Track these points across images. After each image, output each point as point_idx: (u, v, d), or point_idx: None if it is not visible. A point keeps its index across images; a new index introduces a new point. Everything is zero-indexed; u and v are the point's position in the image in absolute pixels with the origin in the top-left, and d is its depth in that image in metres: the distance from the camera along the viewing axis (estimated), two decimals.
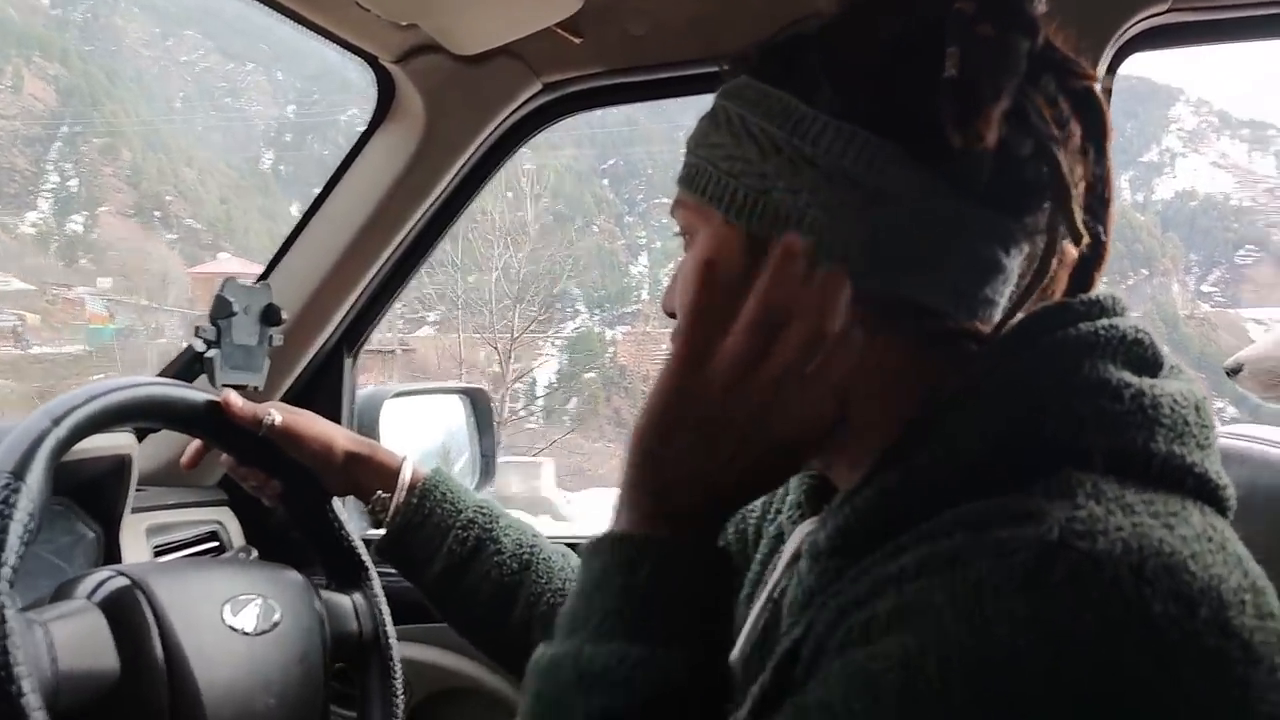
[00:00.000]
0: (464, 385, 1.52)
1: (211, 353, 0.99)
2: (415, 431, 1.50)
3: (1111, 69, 1.01)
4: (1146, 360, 0.52)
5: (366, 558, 0.94)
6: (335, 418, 1.26)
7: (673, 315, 0.64)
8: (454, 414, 1.51)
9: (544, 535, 0.94)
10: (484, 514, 0.90)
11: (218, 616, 0.78)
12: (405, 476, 0.90)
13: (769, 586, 0.63)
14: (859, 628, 0.45)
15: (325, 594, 0.91)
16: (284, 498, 0.94)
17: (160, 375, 1.07)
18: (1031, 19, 0.53)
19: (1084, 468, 0.46)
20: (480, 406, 1.50)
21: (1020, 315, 0.55)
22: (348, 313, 1.19)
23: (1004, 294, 0.55)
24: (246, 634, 0.79)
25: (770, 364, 0.53)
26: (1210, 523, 0.46)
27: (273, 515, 1.14)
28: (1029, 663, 0.39)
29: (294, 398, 1.22)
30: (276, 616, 0.83)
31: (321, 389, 1.24)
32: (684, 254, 0.63)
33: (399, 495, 0.89)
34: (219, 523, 1.16)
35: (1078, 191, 0.54)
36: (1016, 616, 0.40)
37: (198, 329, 0.99)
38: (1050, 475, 0.46)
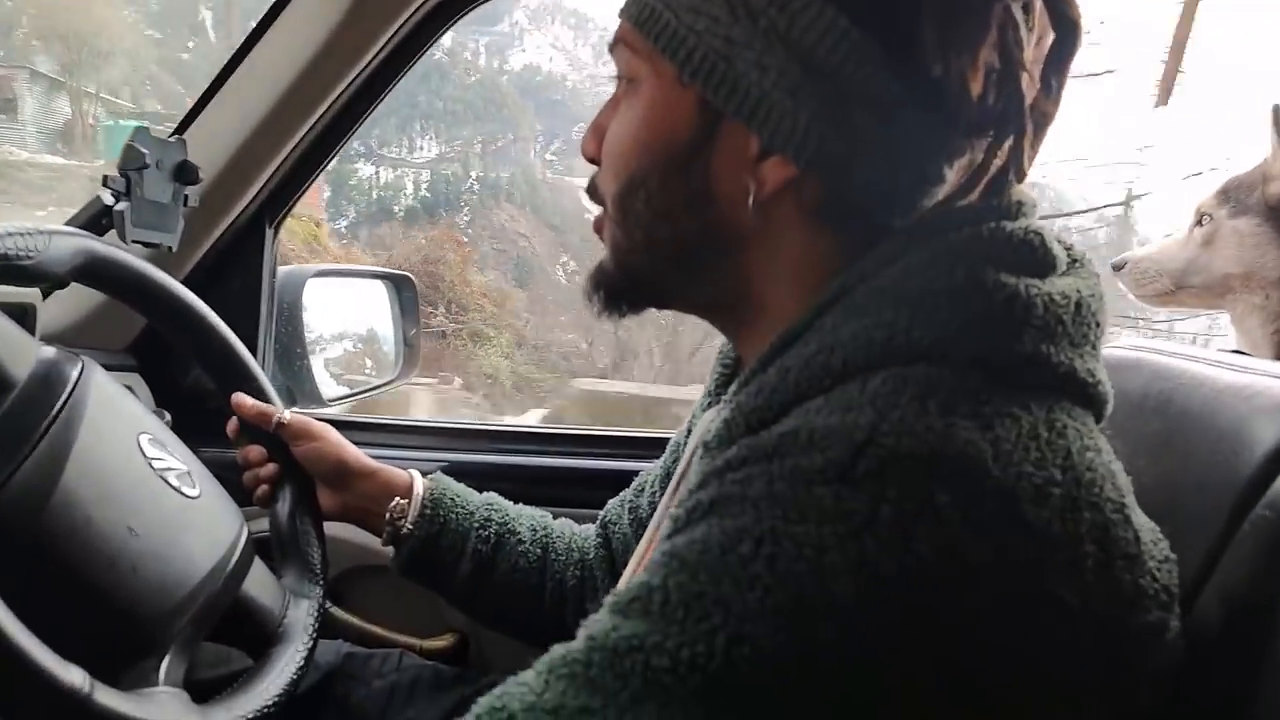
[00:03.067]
0: (389, 270, 1.49)
1: (121, 205, 0.95)
2: (337, 313, 1.47)
3: None
4: (1032, 261, 0.52)
5: (322, 577, 0.89)
6: (255, 292, 1.22)
7: (593, 161, 0.62)
8: (377, 299, 1.48)
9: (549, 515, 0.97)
10: (496, 509, 0.92)
11: (133, 434, 0.73)
12: (419, 488, 0.90)
13: (676, 474, 0.66)
14: (683, 514, 0.47)
15: (260, 561, 0.83)
16: (275, 487, 0.91)
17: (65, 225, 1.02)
18: None
19: (938, 363, 0.48)
20: (405, 293, 1.47)
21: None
22: (269, 179, 1.14)
23: (935, 198, 0.55)
24: (152, 469, 0.72)
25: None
26: (1051, 419, 0.48)
27: (185, 382, 1.12)
28: (832, 552, 0.42)
29: (211, 267, 1.18)
30: (192, 492, 0.76)
31: (240, 260, 1.20)
32: (620, 96, 0.60)
33: (415, 507, 0.89)
34: (129, 388, 1.12)
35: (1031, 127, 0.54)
36: (823, 507, 0.42)
37: (106, 179, 0.94)
38: (901, 367, 0.47)
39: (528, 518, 0.93)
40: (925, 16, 0.50)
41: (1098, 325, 0.53)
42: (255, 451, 0.91)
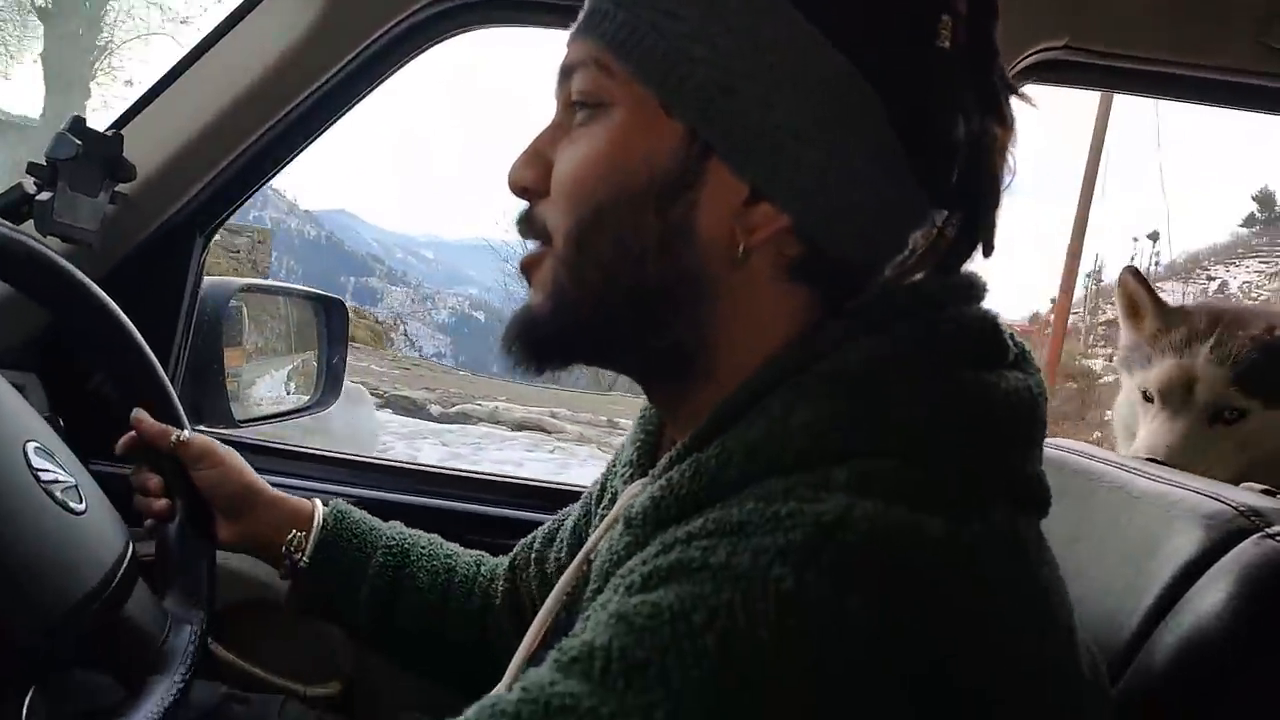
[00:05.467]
0: (319, 292, 1.44)
1: (43, 195, 0.90)
2: (260, 330, 1.42)
3: None
4: (988, 353, 0.52)
5: (209, 603, 0.84)
6: (177, 302, 1.16)
7: (524, 193, 0.56)
8: (305, 319, 1.44)
9: (459, 549, 0.92)
10: (395, 549, 0.86)
11: (19, 441, 0.69)
12: (318, 518, 0.85)
13: (586, 547, 0.61)
14: (639, 579, 0.44)
15: (142, 581, 0.78)
16: (165, 520, 0.84)
17: None
18: (995, 7, 0.53)
19: (902, 462, 0.45)
20: (334, 316, 1.42)
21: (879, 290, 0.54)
22: (205, 187, 1.09)
23: (888, 272, 0.55)
24: (36, 479, 0.68)
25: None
26: (1014, 530, 0.46)
27: (86, 388, 1.05)
28: (784, 637, 0.39)
29: (133, 271, 1.12)
30: (78, 507, 0.71)
31: (164, 268, 1.14)
32: (571, 124, 0.54)
33: (312, 540, 0.84)
34: (20, 388, 1.05)
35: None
36: (782, 590, 0.40)
37: (31, 165, 0.90)
38: (864, 460, 0.45)
39: (429, 558, 0.88)
40: (934, 76, 0.50)
41: (1044, 427, 0.52)
42: (154, 482, 0.85)
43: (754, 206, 0.51)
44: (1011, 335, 0.55)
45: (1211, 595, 0.56)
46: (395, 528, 0.89)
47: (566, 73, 0.55)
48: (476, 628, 0.86)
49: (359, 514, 0.88)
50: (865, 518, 0.41)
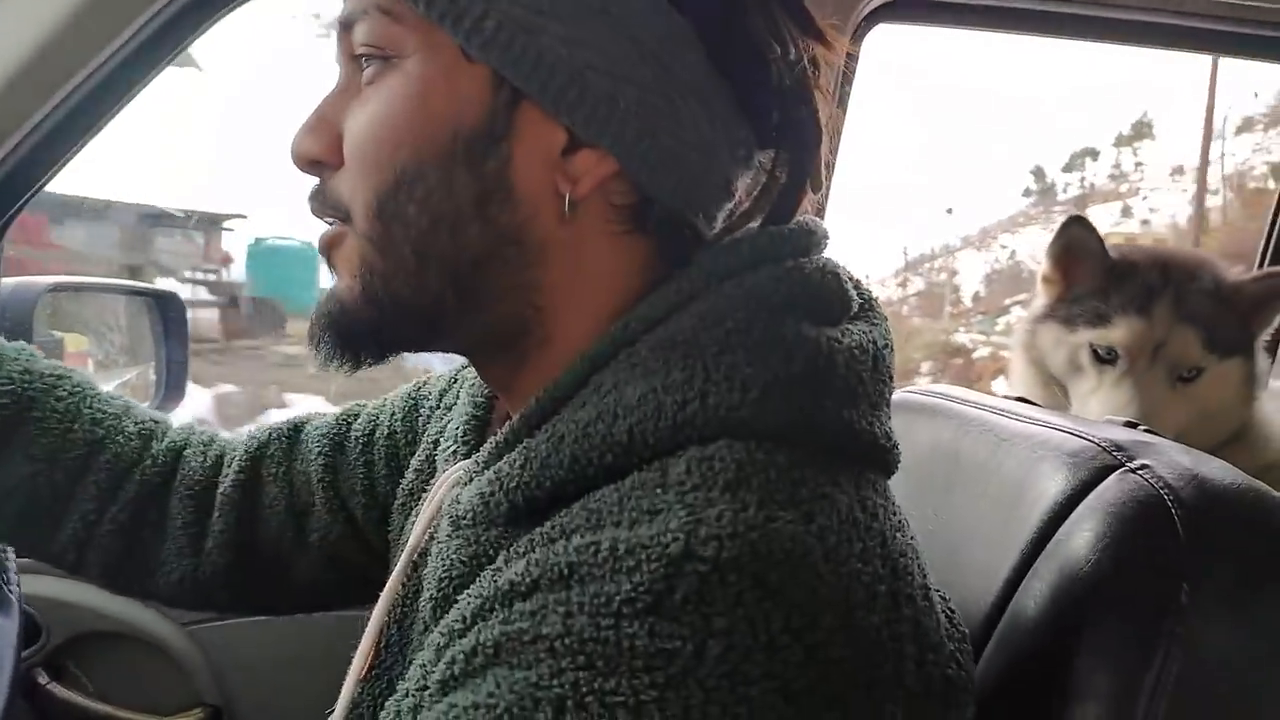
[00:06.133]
0: (149, 286, 1.31)
1: None
2: (83, 334, 1.29)
3: (857, 37, 1.04)
4: (830, 306, 0.49)
5: None
6: None
7: (314, 165, 0.50)
8: (136, 319, 1.31)
9: (127, 411, 0.73)
10: (7, 405, 0.67)
11: None
12: None
13: (409, 546, 0.55)
14: (461, 660, 0.38)
15: None
16: None
17: None
18: None
19: (741, 438, 0.43)
20: (170, 313, 1.30)
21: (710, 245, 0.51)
22: None
23: (723, 220, 0.52)
24: None
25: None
26: (863, 497, 0.44)
27: None
28: (650, 706, 0.35)
29: None
30: None
31: None
32: (359, 82, 0.49)
33: None
34: None
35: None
36: (636, 650, 0.36)
37: None
38: (701, 447, 0.42)
39: (64, 418, 0.69)
40: (747, 5, 0.48)
41: (891, 379, 0.50)
42: None
43: (574, 154, 0.47)
44: (856, 283, 0.52)
45: (1078, 536, 0.55)
46: (26, 363, 0.70)
47: (347, 26, 0.49)
48: (120, 517, 0.70)
49: None
50: (713, 537, 0.38)
